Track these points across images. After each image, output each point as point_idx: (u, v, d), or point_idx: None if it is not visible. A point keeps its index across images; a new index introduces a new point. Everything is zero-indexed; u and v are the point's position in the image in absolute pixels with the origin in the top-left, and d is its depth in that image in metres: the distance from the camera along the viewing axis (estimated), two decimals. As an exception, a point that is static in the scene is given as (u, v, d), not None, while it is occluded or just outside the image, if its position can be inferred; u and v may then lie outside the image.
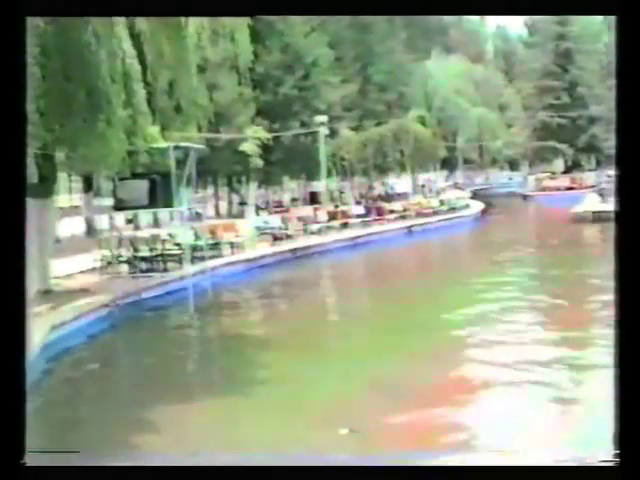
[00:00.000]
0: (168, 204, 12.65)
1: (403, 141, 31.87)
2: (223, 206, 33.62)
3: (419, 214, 28.17)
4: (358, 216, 25.24)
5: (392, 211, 27.24)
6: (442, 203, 30.80)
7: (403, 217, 27.03)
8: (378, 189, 42.88)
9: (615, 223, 3.04)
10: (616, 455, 3.05)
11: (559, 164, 54.53)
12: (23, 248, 3.13)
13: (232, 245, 17.77)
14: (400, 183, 39.75)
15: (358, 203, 31.79)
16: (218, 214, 31.52)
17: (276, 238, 20.34)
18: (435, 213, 29.19)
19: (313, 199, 34.23)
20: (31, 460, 2.99)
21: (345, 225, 23.88)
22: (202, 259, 14.27)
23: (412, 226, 25.80)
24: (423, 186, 39.91)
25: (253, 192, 30.78)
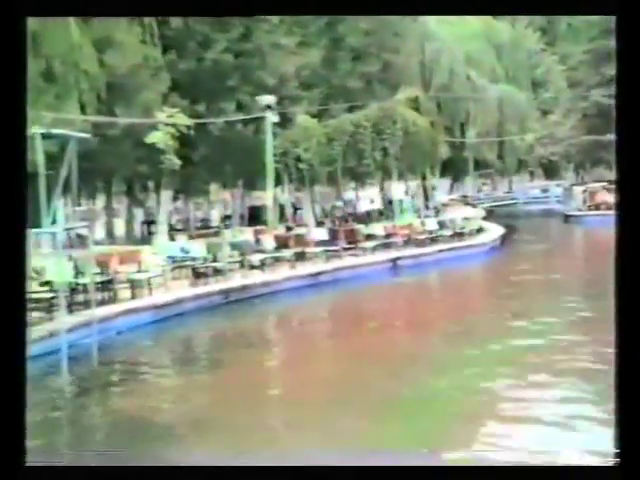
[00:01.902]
0: (33, 222, 11.79)
1: (388, 134, 32.43)
2: (120, 225, 33.61)
3: (409, 241, 28.68)
4: (321, 243, 25.69)
5: (370, 237, 27.76)
6: (443, 226, 31.50)
7: (386, 245, 27.65)
8: (350, 204, 43.51)
9: (615, 224, 4.23)
10: (616, 455, 4.22)
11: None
12: (24, 248, 4.55)
13: (133, 284, 17.87)
14: (382, 194, 40.37)
15: (321, 224, 32.47)
16: (112, 237, 31.50)
17: (199, 274, 20.57)
18: (433, 240, 29.83)
19: (255, 217, 34.55)
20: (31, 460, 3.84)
21: (301, 256, 24.25)
22: (86, 305, 14.13)
23: (398, 259, 26.35)
24: (413, 197, 40.41)
25: (166, 206, 30.88)
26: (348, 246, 26.44)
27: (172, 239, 27.01)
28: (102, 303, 16.16)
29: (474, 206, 46.20)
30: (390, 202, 37.89)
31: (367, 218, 36.13)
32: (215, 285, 19.96)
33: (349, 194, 45.65)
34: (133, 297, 17.51)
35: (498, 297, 20.43)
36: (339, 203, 41.06)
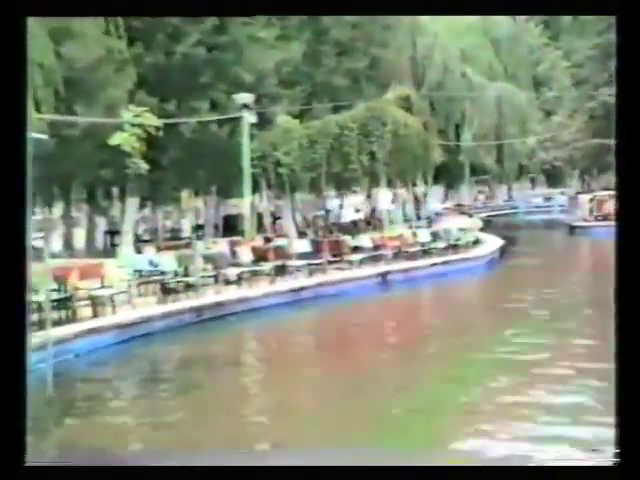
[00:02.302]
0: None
1: (376, 136, 32.47)
2: (80, 236, 33.43)
3: (400, 254, 28.74)
4: (303, 256, 25.70)
5: (357, 249, 27.83)
6: (436, 237, 31.69)
7: (374, 258, 27.70)
8: (335, 213, 43.47)
9: (616, 225, 4.83)
10: (616, 455, 4.68)
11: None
12: (24, 249, 4.97)
13: (94, 301, 17.73)
14: (369, 203, 40.28)
15: (303, 235, 32.59)
16: (71, 249, 31.31)
17: (169, 290, 20.49)
18: (425, 253, 29.98)
19: (230, 227, 34.44)
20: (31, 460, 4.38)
21: (282, 270, 24.24)
22: (40, 326, 14.02)
23: (388, 273, 26.40)
24: (403, 205, 40.43)
25: (132, 214, 30.73)
26: (333, 259, 26.44)
27: (138, 251, 26.91)
28: (59, 323, 15.99)
29: (470, 216, 46.19)
30: (378, 211, 37.86)
31: (353, 228, 36.10)
32: (186, 302, 19.87)
33: (334, 202, 45.62)
34: (95, 316, 17.36)
35: (491, 318, 20.34)
36: (323, 212, 40.96)
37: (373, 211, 40.91)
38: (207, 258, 22.80)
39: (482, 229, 39.68)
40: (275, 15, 27.56)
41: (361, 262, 26.99)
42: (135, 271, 20.71)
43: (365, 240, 28.98)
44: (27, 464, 4.87)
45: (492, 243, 35.73)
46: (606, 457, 5.30)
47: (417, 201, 41.41)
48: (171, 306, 19.40)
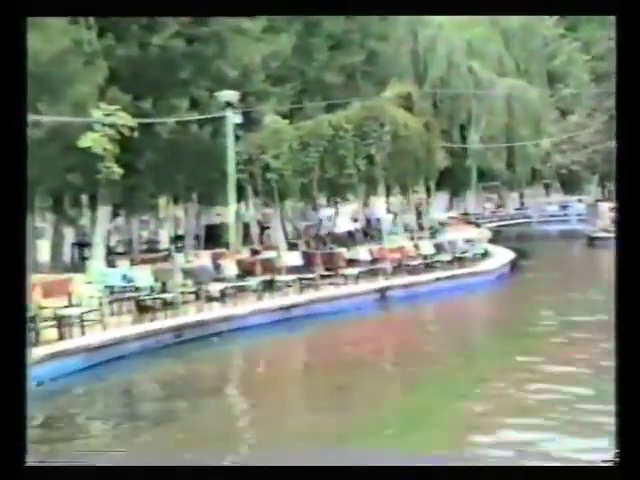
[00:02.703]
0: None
1: (374, 138, 32.36)
2: (45, 248, 33.16)
3: (400, 268, 28.73)
4: (294, 270, 25.59)
5: (353, 262, 27.75)
6: (440, 249, 31.50)
7: (372, 273, 27.66)
8: (328, 222, 43.12)
9: (616, 228, 5.39)
10: (616, 455, 5.07)
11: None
12: (24, 249, 5.42)
13: (61, 321, 17.49)
14: (366, 211, 39.79)
15: (293, 247, 32.55)
16: (35, 263, 31.02)
17: (145, 308, 20.37)
18: (428, 267, 29.87)
19: (213, 238, 34.32)
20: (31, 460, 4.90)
21: (270, 285, 24.13)
22: None
23: (387, 289, 26.37)
24: (403, 214, 40.18)
25: (103, 224, 30.56)
26: (326, 273, 26.28)
27: (111, 265, 26.75)
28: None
29: (478, 225, 46.05)
30: (377, 220, 37.63)
31: (349, 240, 35.93)
32: (165, 321, 19.77)
33: (327, 211, 45.35)
34: (61, 338, 17.16)
35: (498, 341, 20.02)
36: (315, 221, 40.71)
37: (369, 221, 40.67)
38: (187, 272, 22.64)
39: (491, 240, 39.63)
40: (274, 15, 28.30)
41: (358, 277, 26.84)
42: (107, 287, 20.56)
43: (362, 252, 28.77)
44: (27, 464, 5.27)
45: (502, 256, 35.71)
46: (606, 457, 5.49)
47: (419, 210, 41.13)
48: (147, 326, 19.22)
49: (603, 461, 5.51)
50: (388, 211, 37.15)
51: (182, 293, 21.28)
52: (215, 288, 22.23)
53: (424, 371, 16.01)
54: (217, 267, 24.00)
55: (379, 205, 36.07)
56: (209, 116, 28.42)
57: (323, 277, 25.93)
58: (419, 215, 40.67)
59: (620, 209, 5.52)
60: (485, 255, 34.45)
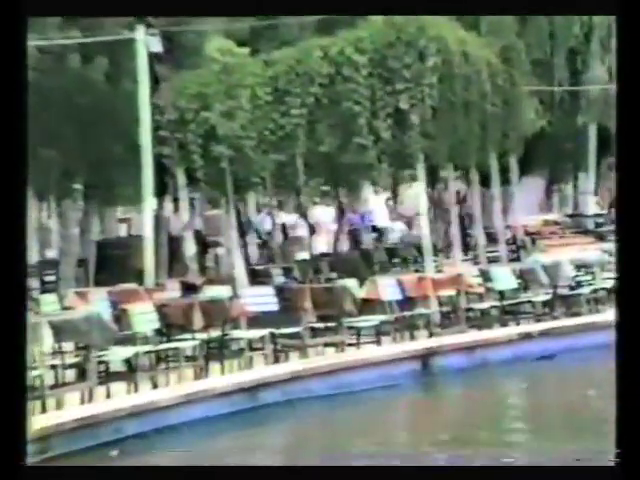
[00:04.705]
0: None
1: (406, 79, 20.63)
2: None
3: (456, 314, 19.39)
4: (263, 319, 17.51)
5: (369, 303, 18.70)
6: (530, 281, 20.97)
7: (405, 323, 18.63)
8: (321, 233, 31.87)
9: (616, 230, 6.67)
10: (616, 455, 5.88)
11: None
12: (24, 248, 6.34)
13: None
14: (392, 211, 28.27)
15: (260, 277, 22.12)
16: None
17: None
18: (508, 312, 20.02)
19: (111, 264, 23.85)
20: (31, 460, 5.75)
21: (220, 348, 16.71)
22: None
23: (433, 352, 17.90)
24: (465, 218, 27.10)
25: None
26: (322, 325, 17.70)
27: None
28: None
29: (601, 237, 30.78)
30: (408, 230, 26.20)
31: (362, 263, 24.79)
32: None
33: (319, 211, 32.62)
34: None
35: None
36: (302, 231, 28.70)
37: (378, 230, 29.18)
38: (62, 329, 14.68)
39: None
40: (273, 15, 21.36)
41: (379, 331, 17.94)
42: None
43: (386, 286, 18.87)
44: (27, 464, 5.96)
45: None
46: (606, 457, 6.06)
47: (487, 208, 27.83)
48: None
49: (603, 461, 6.31)
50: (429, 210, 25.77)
51: (53, 370, 14.09)
52: (117, 356, 15.08)
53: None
54: (120, 317, 16.15)
55: (414, 200, 24.71)
56: (103, 39, 19.55)
57: (316, 332, 17.67)
58: (488, 217, 27.74)
59: (620, 209, 6.12)
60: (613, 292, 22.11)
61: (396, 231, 26.10)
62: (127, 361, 14.74)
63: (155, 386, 14.68)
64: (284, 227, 27.22)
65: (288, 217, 27.47)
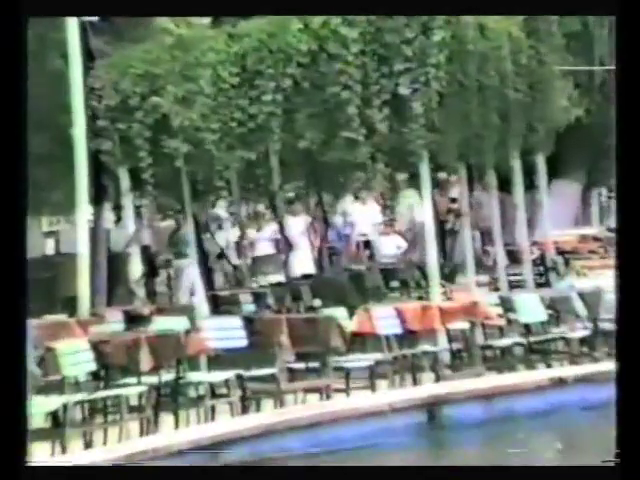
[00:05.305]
0: None
1: (406, 58, 19.37)
2: None
3: (471, 353, 17.24)
4: (226, 359, 15.89)
5: (359, 337, 16.79)
6: (562, 311, 18.14)
7: (406, 363, 16.69)
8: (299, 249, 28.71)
9: (616, 230, 6.61)
10: (616, 455, 5.91)
11: None
12: (24, 247, 6.31)
13: None
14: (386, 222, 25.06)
15: (223, 304, 19.63)
16: None
17: None
18: (535, 351, 17.44)
19: (34, 290, 22.11)
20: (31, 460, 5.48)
21: (174, 394, 14.79)
22: None
23: (441, 401, 16.64)
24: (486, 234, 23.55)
25: None
26: (303, 365, 15.52)
27: None
28: None
29: None
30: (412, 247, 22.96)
31: (351, 285, 22.01)
32: None
33: (298, 222, 29.50)
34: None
35: None
36: (275, 248, 25.49)
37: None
38: None
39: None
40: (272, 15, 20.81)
41: (372, 373, 15.58)
42: None
43: (381, 316, 16.45)
44: (27, 464, 6.08)
45: None
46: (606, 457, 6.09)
47: (508, 219, 24.53)
48: None
49: (603, 461, 6.18)
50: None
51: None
52: (39, 409, 12.76)
53: None
54: (44, 358, 14.07)
55: (416, 209, 21.08)
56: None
57: (295, 374, 15.45)
58: (510, 229, 24.41)
59: (620, 209, 6.17)
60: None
61: (393, 247, 22.87)
62: (53, 414, 12.80)
63: (88, 445, 12.84)
64: (254, 242, 24.22)
65: (260, 229, 24.52)
